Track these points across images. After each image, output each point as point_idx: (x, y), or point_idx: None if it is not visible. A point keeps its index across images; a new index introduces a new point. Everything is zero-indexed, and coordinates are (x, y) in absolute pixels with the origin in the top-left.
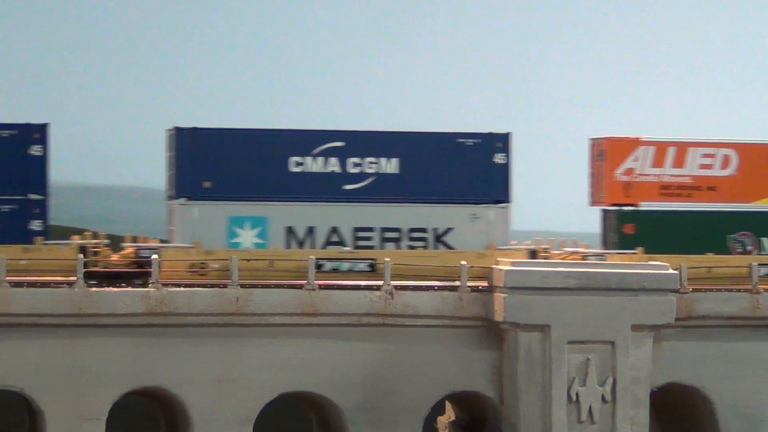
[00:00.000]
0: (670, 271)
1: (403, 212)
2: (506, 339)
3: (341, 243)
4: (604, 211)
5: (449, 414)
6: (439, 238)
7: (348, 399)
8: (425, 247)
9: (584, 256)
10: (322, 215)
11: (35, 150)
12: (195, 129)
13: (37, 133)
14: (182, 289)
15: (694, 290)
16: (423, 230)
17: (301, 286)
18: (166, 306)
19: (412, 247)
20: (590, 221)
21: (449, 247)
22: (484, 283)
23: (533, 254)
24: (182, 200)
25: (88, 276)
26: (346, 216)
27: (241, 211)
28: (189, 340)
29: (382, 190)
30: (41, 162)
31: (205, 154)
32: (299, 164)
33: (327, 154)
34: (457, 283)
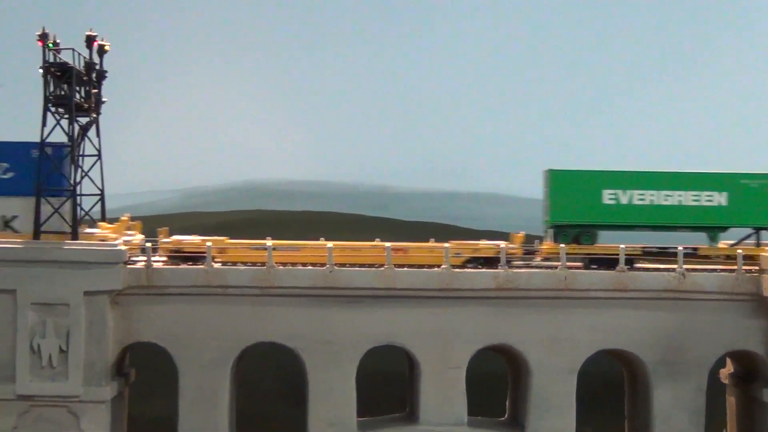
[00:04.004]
0: None
1: None
2: None
3: None
4: None
5: (729, 367)
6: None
7: (651, 355)
8: None
9: None
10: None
11: None
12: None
13: None
14: (523, 270)
15: None
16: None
17: (613, 268)
18: (511, 282)
19: None
20: None
21: None
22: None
23: None
24: None
25: None
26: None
27: None
28: (528, 309)
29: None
30: None
31: None
32: None
33: None
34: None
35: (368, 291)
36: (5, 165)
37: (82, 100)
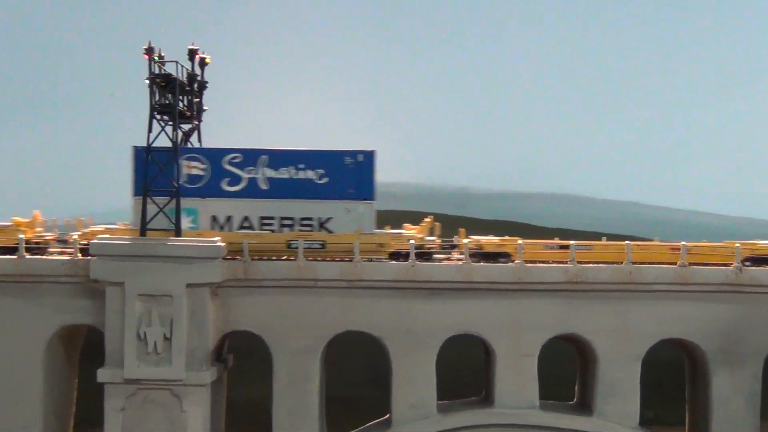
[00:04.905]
0: None
1: None
2: None
3: None
4: None
5: None
6: None
7: (710, 344)
8: None
9: None
10: None
11: None
12: None
13: None
14: (591, 265)
15: None
16: None
17: (674, 263)
18: (580, 277)
19: None
20: None
21: None
22: None
23: None
24: None
25: None
26: None
27: None
28: (596, 301)
29: None
30: None
31: None
32: None
33: None
34: None
35: (447, 284)
36: (321, 171)
37: (185, 108)
